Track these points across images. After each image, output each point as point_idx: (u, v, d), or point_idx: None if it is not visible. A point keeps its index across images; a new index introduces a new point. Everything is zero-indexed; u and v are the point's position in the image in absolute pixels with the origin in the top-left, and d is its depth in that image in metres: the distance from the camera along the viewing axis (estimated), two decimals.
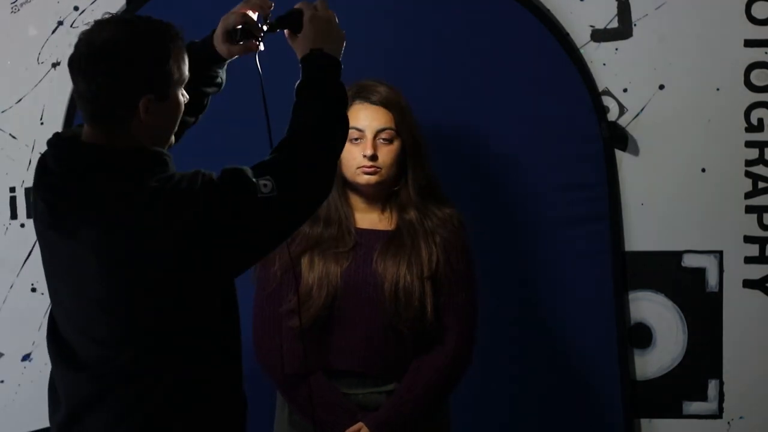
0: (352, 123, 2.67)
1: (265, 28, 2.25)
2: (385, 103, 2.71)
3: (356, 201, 2.76)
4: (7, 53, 3.14)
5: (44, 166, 2.08)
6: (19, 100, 3.15)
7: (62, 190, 2.04)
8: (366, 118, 2.70)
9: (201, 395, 2.10)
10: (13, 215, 3.17)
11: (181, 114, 2.10)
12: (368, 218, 2.76)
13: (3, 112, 3.16)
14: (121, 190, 2.00)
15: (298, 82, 2.15)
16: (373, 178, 2.70)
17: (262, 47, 2.28)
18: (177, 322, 2.04)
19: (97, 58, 1.99)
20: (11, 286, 3.20)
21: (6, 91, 3.15)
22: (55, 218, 2.05)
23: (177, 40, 2.05)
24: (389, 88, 2.75)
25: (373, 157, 2.68)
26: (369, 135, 2.69)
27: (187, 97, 2.12)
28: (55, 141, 2.08)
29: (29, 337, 3.21)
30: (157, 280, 2.00)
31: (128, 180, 2.01)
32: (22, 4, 3.13)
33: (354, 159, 2.70)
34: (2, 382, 3.24)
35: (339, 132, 2.17)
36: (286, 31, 2.24)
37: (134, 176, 2.01)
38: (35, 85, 3.14)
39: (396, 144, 2.72)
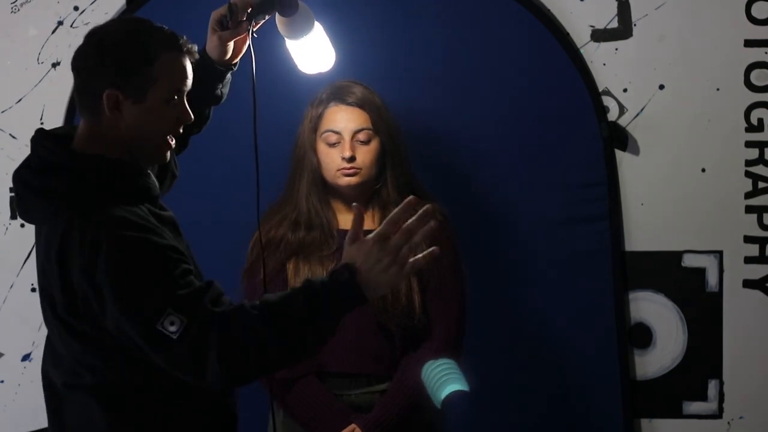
0: (328, 125, 2.69)
1: (249, 10, 2.30)
2: (360, 104, 2.71)
3: (337, 203, 2.75)
4: (7, 53, 3.14)
5: (29, 159, 2.13)
6: (19, 100, 3.15)
7: (29, 185, 2.08)
8: (342, 119, 2.70)
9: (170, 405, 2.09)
10: (13, 215, 3.17)
11: (170, 127, 2.09)
12: (349, 219, 2.72)
13: (3, 112, 3.16)
14: (77, 202, 2.02)
15: (315, 281, 1.96)
16: (353, 180, 2.69)
17: (254, 35, 2.32)
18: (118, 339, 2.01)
19: (84, 43, 2.05)
20: (11, 286, 3.20)
21: (6, 91, 3.15)
22: (22, 210, 2.13)
23: (173, 50, 2.05)
24: (364, 88, 2.74)
25: (352, 159, 2.67)
26: (347, 137, 2.68)
27: (191, 115, 2.10)
28: (35, 137, 2.11)
29: (29, 337, 3.20)
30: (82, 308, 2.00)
31: (85, 195, 2.02)
32: (22, 4, 3.13)
33: (333, 161, 2.69)
34: (2, 382, 3.24)
35: (282, 364, 2.01)
36: (276, 16, 2.27)
37: (93, 192, 2.02)
38: (35, 85, 3.14)
39: (374, 144, 2.71)
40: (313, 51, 2.52)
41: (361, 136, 2.69)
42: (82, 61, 2.04)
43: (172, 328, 1.91)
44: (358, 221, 2.01)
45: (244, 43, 2.38)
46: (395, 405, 2.67)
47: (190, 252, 2.18)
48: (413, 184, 2.78)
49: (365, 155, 2.70)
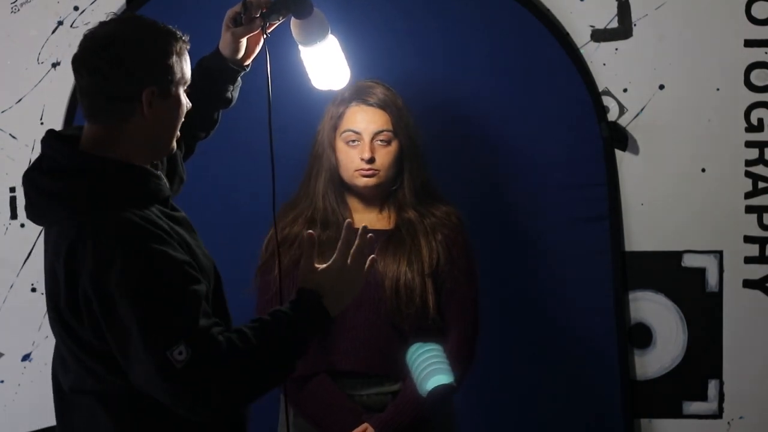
0: (349, 125, 2.69)
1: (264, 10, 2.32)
2: (382, 105, 2.70)
3: (354, 202, 2.75)
4: (7, 53, 3.14)
5: (39, 161, 2.09)
6: (19, 100, 3.15)
7: (41, 188, 2.04)
8: (363, 120, 2.69)
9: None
10: (13, 215, 3.17)
11: (183, 117, 2.09)
12: (366, 218, 2.74)
13: (3, 112, 3.16)
14: (90, 207, 1.99)
15: (284, 309, 2.08)
16: (371, 181, 2.69)
17: (268, 35, 2.34)
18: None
19: (101, 48, 1.99)
20: (11, 286, 3.20)
21: (6, 91, 3.15)
22: (33, 213, 2.09)
23: (180, 41, 2.05)
24: (386, 89, 2.74)
25: (371, 160, 2.67)
26: (366, 138, 2.68)
27: (190, 104, 2.11)
28: (46, 139, 2.08)
29: (29, 337, 3.21)
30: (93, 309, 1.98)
31: (99, 199, 1.99)
32: (22, 4, 3.13)
33: (352, 162, 2.68)
34: (2, 382, 3.24)
35: (267, 388, 2.07)
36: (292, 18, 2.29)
37: (107, 196, 2.00)
38: (35, 85, 3.14)
39: (394, 145, 2.70)
40: (326, 64, 2.52)
41: (381, 137, 2.68)
42: (104, 63, 1.98)
43: (180, 357, 1.92)
44: (309, 248, 2.14)
45: (257, 43, 2.40)
46: (408, 406, 2.66)
47: (203, 249, 2.18)
48: (429, 186, 2.78)
49: (384, 157, 2.69)
